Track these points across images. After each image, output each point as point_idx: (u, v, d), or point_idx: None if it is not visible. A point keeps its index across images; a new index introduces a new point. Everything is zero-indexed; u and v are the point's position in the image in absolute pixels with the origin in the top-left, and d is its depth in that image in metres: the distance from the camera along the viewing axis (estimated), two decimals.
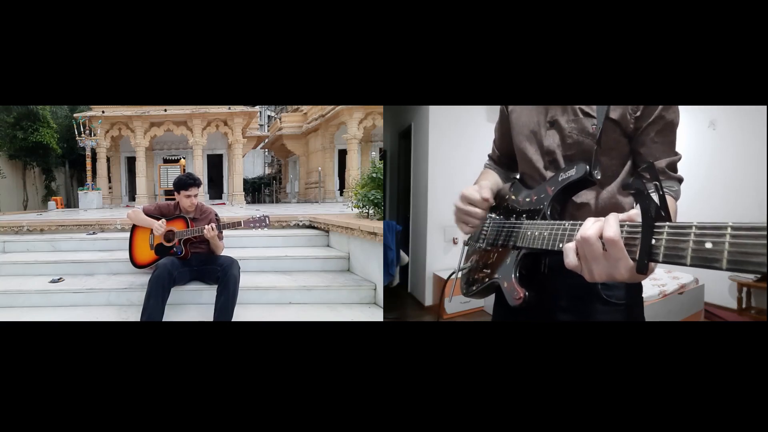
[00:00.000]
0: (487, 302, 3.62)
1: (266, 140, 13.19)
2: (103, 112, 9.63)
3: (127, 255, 2.57)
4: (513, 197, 0.97)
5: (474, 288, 0.97)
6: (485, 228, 0.99)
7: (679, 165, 0.93)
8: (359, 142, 8.95)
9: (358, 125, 8.81)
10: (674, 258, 0.50)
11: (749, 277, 3.62)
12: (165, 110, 9.62)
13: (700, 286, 3.62)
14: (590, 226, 0.60)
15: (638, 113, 0.88)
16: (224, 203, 10.52)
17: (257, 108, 11.24)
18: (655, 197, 0.54)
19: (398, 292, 4.70)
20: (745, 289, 3.73)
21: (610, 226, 0.57)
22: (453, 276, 1.06)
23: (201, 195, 8.09)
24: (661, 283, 3.32)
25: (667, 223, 0.52)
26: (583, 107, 0.90)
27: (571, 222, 0.68)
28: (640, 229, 0.54)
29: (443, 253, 4.44)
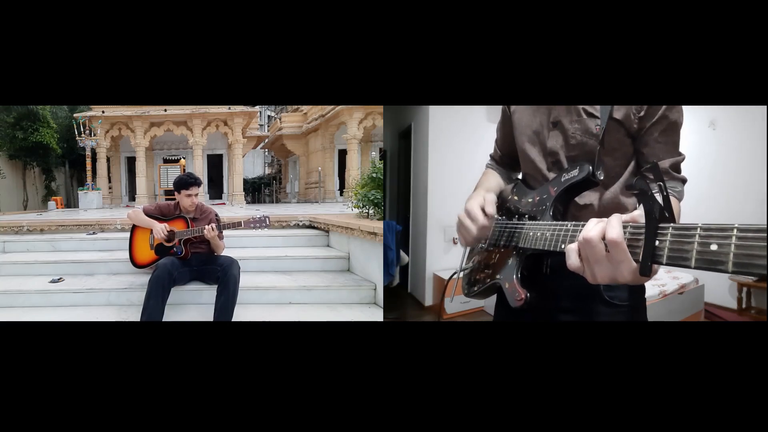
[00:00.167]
0: (487, 302, 3.61)
1: (266, 140, 13.18)
2: (103, 112, 9.63)
3: (127, 255, 2.57)
4: (515, 198, 0.96)
5: (475, 288, 0.97)
6: None
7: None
8: (359, 142, 8.94)
9: (358, 125, 8.81)
10: (678, 260, 0.49)
11: (749, 277, 3.62)
12: (165, 110, 9.62)
13: (700, 286, 3.62)
14: (592, 228, 0.60)
15: (642, 113, 0.87)
16: (224, 203, 10.52)
17: (257, 108, 11.24)
18: (658, 198, 0.53)
19: (398, 292, 4.70)
20: (745, 289, 3.72)
21: (612, 227, 0.57)
22: (455, 276, 1.05)
23: (201, 195, 8.10)
24: (661, 283, 3.32)
25: (671, 225, 0.51)
26: (587, 107, 0.89)
27: (574, 223, 0.68)
28: (643, 231, 0.53)
29: (443, 253, 4.44)
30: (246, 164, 13.41)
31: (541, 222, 0.81)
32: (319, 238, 3.23)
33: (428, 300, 4.36)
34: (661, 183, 0.55)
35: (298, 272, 2.66)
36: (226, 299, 2.04)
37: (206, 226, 2.20)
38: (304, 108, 10.95)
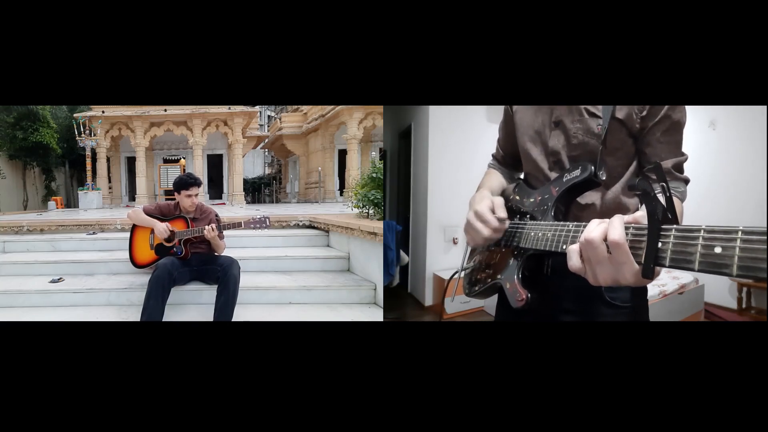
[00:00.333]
0: (487, 302, 3.61)
1: (266, 140, 13.18)
2: (103, 112, 9.62)
3: (127, 255, 2.57)
4: (517, 198, 0.96)
5: (476, 288, 0.96)
6: None
7: None
8: (359, 142, 8.94)
9: (358, 125, 8.80)
10: (681, 262, 0.48)
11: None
12: (165, 110, 9.62)
13: (700, 286, 3.62)
14: (594, 228, 0.59)
15: (644, 113, 0.86)
16: (224, 203, 10.52)
17: (257, 108, 11.24)
18: (661, 199, 0.52)
19: (398, 292, 4.70)
20: (745, 289, 3.72)
21: (614, 228, 0.56)
22: (456, 276, 1.05)
23: (201, 195, 8.09)
24: (661, 283, 3.32)
25: (674, 226, 0.50)
26: (589, 107, 0.89)
27: (575, 223, 0.67)
28: (645, 232, 0.53)
29: (443, 253, 4.44)
30: (246, 164, 13.41)
31: (542, 222, 0.81)
32: (319, 238, 3.23)
33: (428, 300, 4.35)
34: (663, 183, 0.55)
35: (298, 272, 2.66)
36: (226, 299, 2.04)
37: (206, 227, 2.20)
38: (304, 108, 10.95)
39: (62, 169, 12.30)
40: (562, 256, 0.66)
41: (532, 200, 0.89)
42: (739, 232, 0.43)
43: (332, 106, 8.99)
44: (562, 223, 0.72)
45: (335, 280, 2.49)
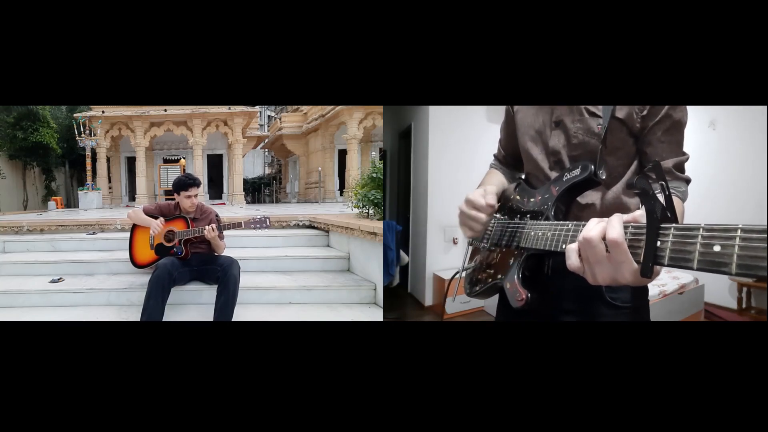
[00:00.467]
0: (488, 302, 3.61)
1: (266, 140, 13.18)
2: (103, 112, 9.62)
3: (127, 255, 2.57)
4: (518, 197, 0.96)
5: (477, 288, 0.96)
6: (490, 228, 0.99)
7: None
8: (359, 142, 8.94)
9: (358, 125, 8.80)
10: (680, 261, 0.48)
11: (749, 277, 3.61)
12: (165, 110, 9.62)
13: (700, 286, 3.62)
14: (593, 227, 0.59)
15: (645, 112, 0.86)
16: (224, 203, 10.52)
17: (257, 108, 11.24)
18: (661, 198, 0.52)
19: (398, 292, 4.70)
20: (745, 289, 3.72)
21: (613, 227, 0.56)
22: (457, 275, 1.05)
23: (201, 195, 8.09)
24: (661, 283, 3.32)
25: (673, 225, 0.50)
26: (589, 107, 0.89)
27: (575, 223, 0.67)
28: (644, 231, 0.52)
29: (443, 253, 4.44)
30: (246, 164, 13.41)
31: (542, 222, 0.81)
32: (319, 238, 3.23)
33: (428, 300, 4.35)
34: (663, 182, 0.54)
35: (298, 272, 2.66)
36: (226, 299, 2.04)
37: (206, 227, 2.20)
38: (304, 108, 10.95)
39: (62, 169, 12.30)
40: (562, 255, 0.65)
41: (532, 200, 0.89)
42: (738, 231, 0.43)
43: (332, 106, 8.99)
44: (561, 222, 0.72)
45: (335, 280, 2.49)
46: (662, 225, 0.51)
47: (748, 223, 0.43)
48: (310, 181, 10.97)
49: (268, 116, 18.31)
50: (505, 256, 0.88)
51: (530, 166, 1.01)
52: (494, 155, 1.21)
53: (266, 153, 16.10)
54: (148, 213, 2.41)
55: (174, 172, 9.93)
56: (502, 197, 1.01)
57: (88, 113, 9.58)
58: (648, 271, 0.52)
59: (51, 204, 9.33)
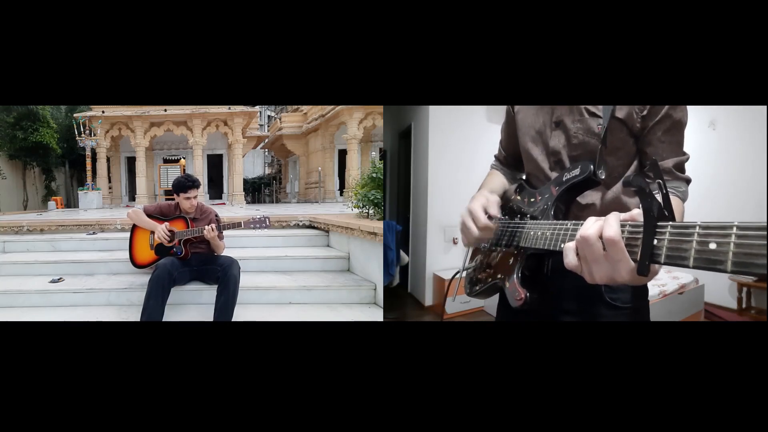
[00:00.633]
0: (487, 302, 3.61)
1: (266, 140, 13.18)
2: (103, 112, 9.62)
3: (127, 255, 2.57)
4: (518, 198, 0.96)
5: (477, 288, 0.96)
6: None
7: None
8: (359, 142, 8.94)
9: (358, 125, 8.80)
10: (677, 259, 0.48)
11: (749, 277, 3.62)
12: (165, 110, 9.62)
13: (700, 286, 3.62)
14: (590, 226, 0.59)
15: (645, 112, 0.86)
16: (224, 203, 10.52)
17: (257, 108, 11.23)
18: (658, 196, 0.52)
19: (398, 292, 4.70)
20: (745, 289, 3.72)
21: (610, 225, 0.56)
22: (457, 275, 1.05)
23: (201, 195, 8.08)
24: (661, 283, 3.32)
25: (670, 223, 0.50)
26: (589, 107, 0.89)
27: (574, 222, 0.67)
28: (641, 229, 0.52)
29: (443, 253, 4.44)
30: (246, 164, 13.40)
31: (541, 221, 0.81)
32: (319, 238, 3.23)
33: (428, 300, 4.35)
34: (660, 181, 0.55)
35: (298, 272, 2.66)
36: (226, 299, 2.04)
37: (206, 227, 2.20)
38: (304, 108, 10.95)
39: (62, 169, 12.29)
40: (561, 255, 0.65)
41: (532, 200, 0.89)
42: (734, 228, 0.43)
43: (332, 106, 8.99)
44: (560, 222, 0.72)
45: (335, 280, 2.49)
46: (659, 223, 0.51)
47: (744, 221, 0.43)
48: (310, 181, 10.97)
49: (268, 116, 18.31)
50: (505, 255, 0.88)
51: (531, 166, 1.01)
52: (495, 156, 1.21)
53: (266, 153, 16.10)
54: (149, 213, 2.41)
55: (174, 172, 9.93)
56: (503, 198, 1.01)
57: (88, 113, 9.57)
58: (645, 270, 0.52)
59: (51, 204, 9.33)
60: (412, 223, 4.94)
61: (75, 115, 9.51)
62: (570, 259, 0.62)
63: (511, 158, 1.15)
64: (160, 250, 2.37)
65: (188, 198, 2.31)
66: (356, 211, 3.10)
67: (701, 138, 3.98)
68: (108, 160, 10.82)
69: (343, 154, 9.65)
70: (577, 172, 0.79)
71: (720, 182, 3.88)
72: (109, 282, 2.50)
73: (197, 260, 2.31)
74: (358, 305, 2.32)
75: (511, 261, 0.85)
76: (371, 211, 2.88)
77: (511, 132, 1.09)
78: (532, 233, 0.79)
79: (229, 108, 9.71)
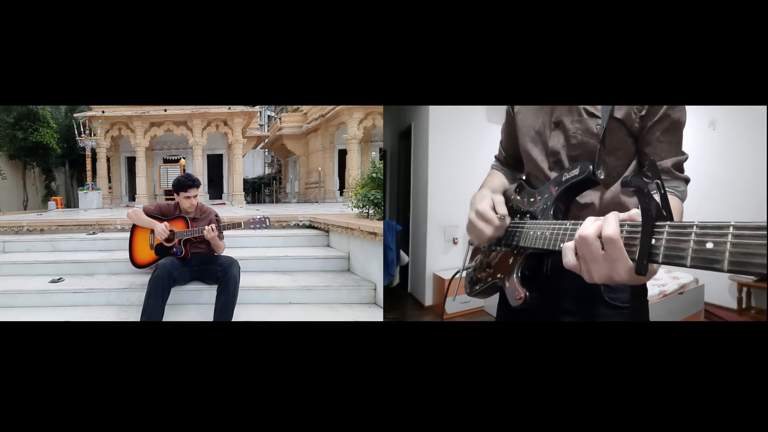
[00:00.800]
0: (487, 302, 3.62)
1: (266, 140, 13.18)
2: (103, 112, 9.62)
3: (127, 255, 2.57)
4: (518, 198, 0.96)
5: (477, 287, 0.97)
6: None
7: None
8: (359, 142, 8.94)
9: (358, 125, 8.80)
10: (674, 258, 0.48)
11: (749, 277, 3.62)
12: (165, 110, 9.62)
13: (700, 286, 3.62)
14: (589, 225, 0.59)
15: (643, 112, 0.87)
16: (224, 203, 10.52)
17: (257, 108, 11.24)
18: (656, 196, 0.53)
19: (398, 292, 4.70)
20: (745, 289, 3.72)
21: (609, 224, 0.56)
22: (457, 275, 1.05)
23: (201, 195, 8.08)
24: (661, 283, 3.32)
25: (668, 223, 0.50)
26: (588, 107, 0.89)
27: (573, 222, 0.67)
28: (640, 229, 0.53)
29: (443, 253, 4.44)
30: (246, 164, 13.41)
31: (541, 221, 0.81)
32: (319, 238, 3.23)
33: (428, 300, 4.35)
34: (658, 181, 0.55)
35: (298, 272, 2.66)
36: (226, 299, 2.04)
37: (206, 227, 2.20)
38: (304, 108, 10.95)
39: (62, 169, 12.29)
40: (561, 254, 0.66)
41: (532, 200, 0.90)
42: (731, 228, 0.43)
43: (332, 106, 8.99)
44: (560, 221, 0.72)
45: (335, 280, 2.49)
46: (657, 223, 0.51)
47: (741, 221, 0.43)
48: (310, 181, 10.97)
49: (268, 116, 18.31)
50: (505, 255, 0.88)
51: (530, 166, 1.01)
52: (495, 156, 1.22)
53: (266, 153, 16.10)
54: (148, 213, 2.41)
55: (174, 172, 9.92)
56: (503, 197, 1.02)
57: (88, 113, 9.57)
58: (643, 269, 0.52)
59: (51, 204, 9.33)
60: (412, 223, 4.94)
61: (75, 115, 9.51)
62: (569, 259, 0.62)
63: (511, 158, 1.15)
64: (160, 250, 2.37)
65: (188, 197, 2.31)
66: (356, 211, 3.10)
67: (701, 138, 3.98)
68: (108, 160, 10.82)
69: (343, 154, 9.65)
70: (576, 171, 0.80)
71: (720, 182, 3.88)
72: (109, 282, 2.50)
73: (197, 260, 2.31)
74: (358, 305, 2.33)
75: (510, 261, 0.85)
76: (371, 211, 2.88)
77: (511, 132, 1.09)
78: (531, 233, 0.79)
79: (229, 108, 9.71)
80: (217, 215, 2.42)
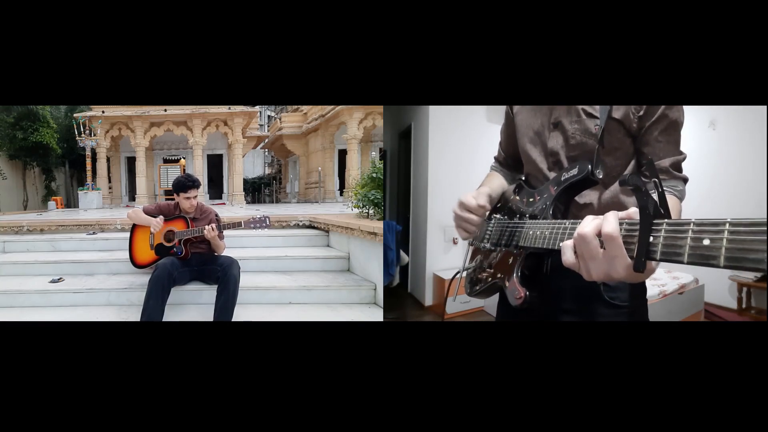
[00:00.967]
0: (487, 302, 3.61)
1: (266, 140, 13.18)
2: (103, 112, 9.62)
3: (127, 255, 2.57)
4: (517, 198, 0.97)
5: (477, 288, 0.97)
6: (489, 228, 0.99)
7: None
8: (359, 142, 8.94)
9: (358, 125, 8.80)
10: (672, 255, 0.49)
11: (749, 277, 3.61)
12: (165, 110, 9.62)
13: (700, 286, 3.62)
14: (588, 224, 0.60)
15: (641, 112, 0.87)
16: (224, 203, 10.52)
17: (257, 108, 11.23)
18: (654, 195, 0.53)
19: (398, 292, 4.70)
20: (745, 289, 3.72)
21: (609, 222, 0.57)
22: (458, 275, 1.06)
23: (201, 195, 8.08)
24: (661, 283, 3.32)
25: (666, 221, 0.51)
26: (586, 108, 0.90)
27: (572, 221, 0.68)
28: (638, 227, 0.54)
29: (443, 253, 4.44)
30: (246, 164, 13.41)
31: (540, 221, 0.81)
32: (319, 238, 3.23)
33: (428, 300, 4.36)
34: (656, 180, 0.56)
35: (298, 272, 2.66)
36: (226, 299, 2.04)
37: (206, 227, 2.20)
38: (304, 108, 10.95)
39: (62, 169, 12.29)
40: (560, 253, 0.66)
41: (531, 200, 0.90)
42: (727, 224, 0.44)
43: (332, 106, 8.99)
44: (559, 221, 0.72)
45: (335, 280, 2.49)
46: (655, 221, 0.52)
47: (736, 217, 0.44)
48: (310, 181, 10.97)
49: (268, 116, 18.30)
50: (504, 255, 0.89)
51: (529, 167, 1.01)
52: (494, 157, 1.22)
53: (266, 153, 16.10)
54: (148, 213, 2.42)
55: (174, 172, 9.92)
56: (502, 198, 1.02)
57: (88, 113, 9.57)
58: (641, 266, 0.53)
59: (51, 204, 9.32)
60: (412, 223, 4.94)
61: (75, 115, 9.50)
62: (568, 257, 0.63)
63: (510, 159, 1.16)
64: (160, 250, 2.37)
65: (188, 198, 2.31)
66: (356, 211, 3.10)
67: (701, 138, 3.98)
68: (108, 160, 10.82)
69: (343, 154, 9.65)
70: (575, 171, 0.80)
71: (720, 182, 3.88)
72: (109, 282, 2.50)
73: (197, 260, 2.31)
74: (358, 305, 2.33)
75: (510, 260, 0.85)
76: (371, 211, 2.88)
77: (510, 133, 1.10)
78: (531, 233, 0.79)
79: (229, 108, 9.71)
80: (217, 215, 2.42)
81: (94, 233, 3.37)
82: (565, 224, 0.69)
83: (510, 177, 1.15)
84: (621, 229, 0.56)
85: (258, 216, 2.28)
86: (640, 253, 0.53)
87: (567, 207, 0.85)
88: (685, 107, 0.91)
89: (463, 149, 4.33)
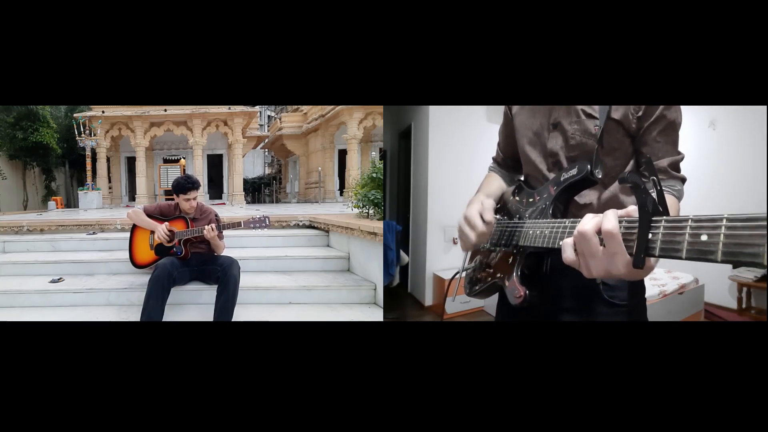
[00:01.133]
0: (487, 302, 3.62)
1: (266, 140, 13.18)
2: (103, 112, 9.63)
3: (127, 255, 2.57)
4: (517, 199, 0.97)
5: (477, 287, 0.97)
6: None
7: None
8: (359, 142, 8.94)
9: (358, 125, 8.81)
10: (670, 251, 0.50)
11: (749, 277, 3.62)
12: (165, 110, 9.62)
13: (700, 286, 3.62)
14: (588, 221, 0.60)
15: (640, 113, 0.88)
16: (224, 203, 10.52)
17: (257, 108, 11.24)
18: (653, 193, 0.54)
19: (398, 292, 4.70)
20: (745, 289, 3.72)
21: (608, 220, 0.58)
22: (457, 275, 1.06)
23: (201, 195, 8.08)
24: (661, 283, 3.32)
25: (664, 218, 0.52)
26: (585, 108, 0.90)
27: (572, 220, 0.68)
28: (637, 224, 0.54)
29: (443, 253, 4.44)
30: (246, 164, 13.41)
31: (540, 220, 0.82)
32: (319, 238, 3.23)
33: (428, 300, 4.36)
34: (654, 178, 0.56)
35: (298, 272, 2.66)
36: (226, 299, 2.04)
37: (206, 227, 2.20)
38: (304, 108, 10.95)
39: (62, 169, 12.30)
40: (560, 253, 0.66)
41: (531, 200, 0.90)
42: (724, 220, 0.45)
43: (332, 106, 8.99)
44: (559, 220, 0.73)
45: (335, 280, 2.49)
46: (653, 218, 0.53)
47: (733, 213, 0.45)
48: (310, 181, 10.97)
49: (268, 116, 18.31)
50: (504, 255, 0.89)
51: (529, 167, 1.02)
52: (493, 158, 1.22)
53: (266, 153, 16.10)
54: (149, 213, 2.42)
55: (174, 172, 9.93)
56: (502, 199, 1.02)
57: (88, 113, 9.58)
58: (640, 262, 0.54)
59: (51, 204, 9.33)
60: (412, 223, 4.94)
61: (75, 115, 9.51)
62: (568, 254, 0.63)
63: (509, 160, 1.16)
64: (160, 250, 2.37)
65: (188, 199, 2.31)
66: (356, 211, 3.10)
67: (701, 138, 3.98)
68: (108, 160, 10.82)
69: (343, 154, 9.66)
70: (574, 172, 0.80)
71: (720, 182, 3.88)
72: (109, 282, 2.50)
73: (197, 260, 2.31)
74: (358, 305, 2.33)
75: (510, 260, 0.85)
76: (371, 211, 2.88)
77: (508, 134, 1.10)
78: (531, 232, 0.79)
79: (229, 108, 9.72)
80: (216, 215, 2.42)
81: (94, 233, 3.37)
82: (564, 223, 0.70)
83: (508, 178, 1.15)
84: (620, 227, 0.57)
85: (258, 216, 2.28)
86: (639, 249, 0.54)
87: (567, 207, 0.85)
88: (684, 107, 0.91)
89: (463, 149, 4.33)
